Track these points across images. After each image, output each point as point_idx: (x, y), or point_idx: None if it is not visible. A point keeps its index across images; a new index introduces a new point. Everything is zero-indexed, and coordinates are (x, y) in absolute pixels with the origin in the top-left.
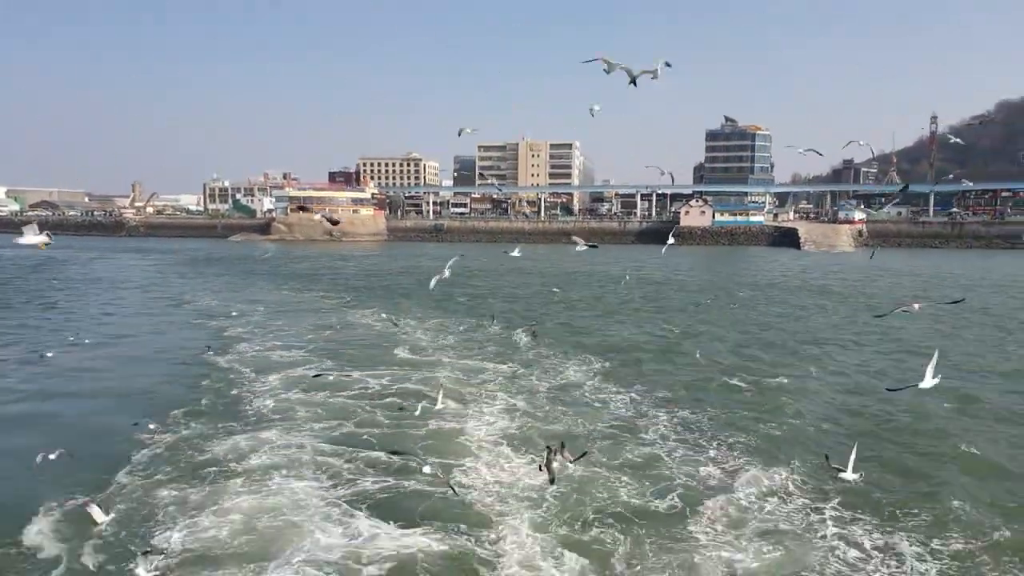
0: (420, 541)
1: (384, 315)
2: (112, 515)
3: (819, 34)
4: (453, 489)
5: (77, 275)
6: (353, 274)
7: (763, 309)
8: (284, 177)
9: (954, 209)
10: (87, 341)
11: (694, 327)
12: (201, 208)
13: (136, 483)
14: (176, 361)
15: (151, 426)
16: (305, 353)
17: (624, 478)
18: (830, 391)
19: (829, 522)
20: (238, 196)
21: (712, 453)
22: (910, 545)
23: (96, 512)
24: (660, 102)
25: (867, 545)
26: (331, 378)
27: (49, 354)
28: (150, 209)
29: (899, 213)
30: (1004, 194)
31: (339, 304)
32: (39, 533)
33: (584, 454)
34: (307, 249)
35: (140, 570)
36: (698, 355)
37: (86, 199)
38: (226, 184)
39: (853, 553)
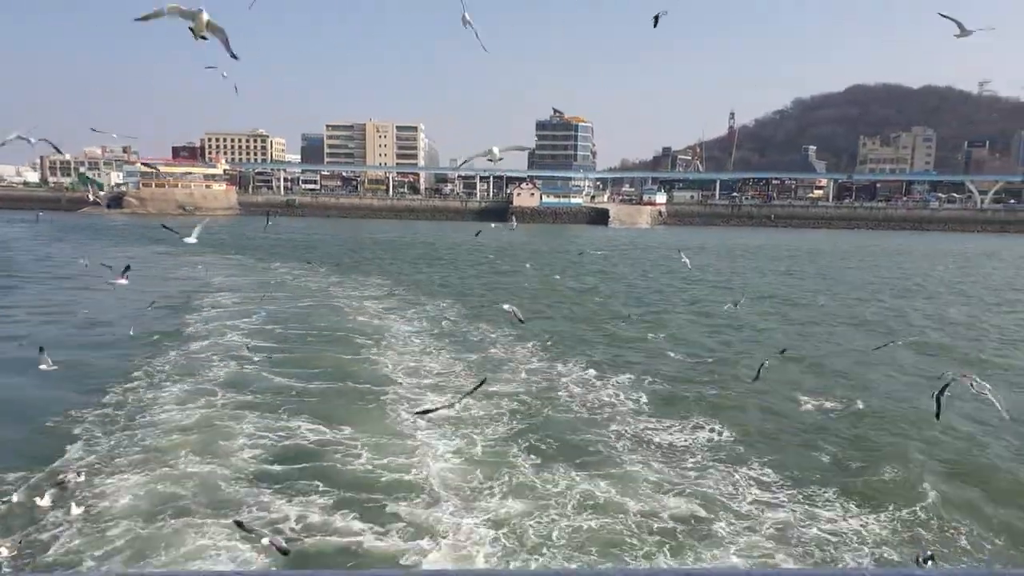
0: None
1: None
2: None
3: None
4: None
5: None
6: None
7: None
8: (124, 151)
9: (735, 193)
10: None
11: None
12: (37, 180)
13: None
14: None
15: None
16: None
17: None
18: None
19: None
20: (82, 169)
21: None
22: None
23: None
24: (501, 89)
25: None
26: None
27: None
28: None
29: (691, 197)
30: (774, 182)
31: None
32: None
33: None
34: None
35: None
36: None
37: None
38: (68, 157)
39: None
